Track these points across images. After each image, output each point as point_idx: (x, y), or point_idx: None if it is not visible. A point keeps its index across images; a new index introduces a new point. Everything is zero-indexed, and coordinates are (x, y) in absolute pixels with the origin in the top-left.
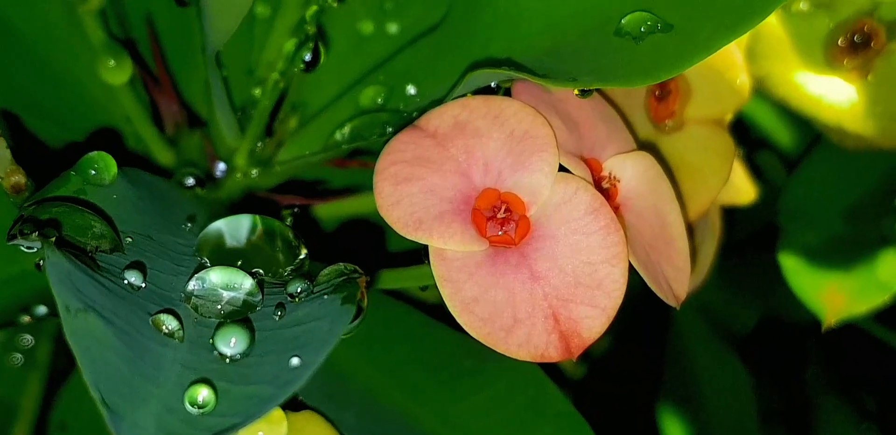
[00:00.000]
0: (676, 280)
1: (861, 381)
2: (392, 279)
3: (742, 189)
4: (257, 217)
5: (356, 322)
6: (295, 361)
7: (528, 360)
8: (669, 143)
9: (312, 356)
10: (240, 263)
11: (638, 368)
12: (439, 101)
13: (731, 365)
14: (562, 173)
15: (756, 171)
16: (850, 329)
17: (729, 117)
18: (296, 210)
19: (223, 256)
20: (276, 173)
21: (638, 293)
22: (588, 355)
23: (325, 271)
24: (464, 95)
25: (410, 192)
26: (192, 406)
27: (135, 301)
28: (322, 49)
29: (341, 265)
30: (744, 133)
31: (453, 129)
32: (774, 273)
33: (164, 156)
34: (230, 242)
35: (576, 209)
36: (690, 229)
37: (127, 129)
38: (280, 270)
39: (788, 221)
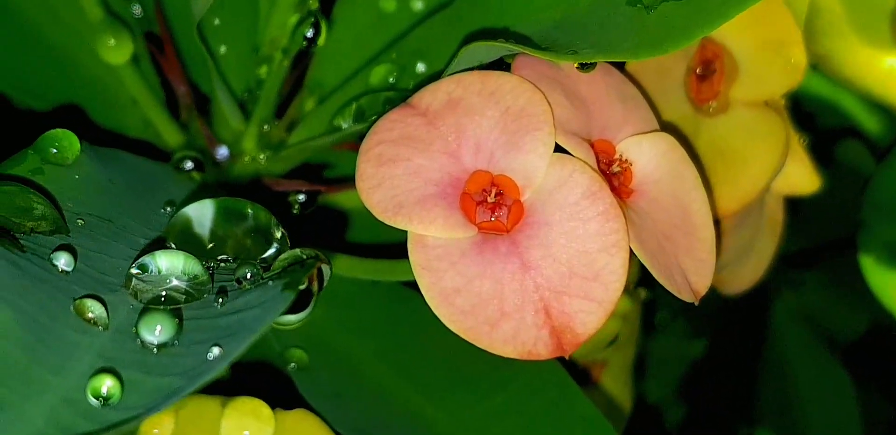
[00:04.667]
0: (697, 273)
1: None
2: (384, 271)
3: (804, 178)
4: (243, 202)
5: (305, 311)
6: (216, 351)
7: (515, 357)
8: (711, 127)
9: (233, 346)
10: (210, 246)
11: (731, 379)
12: (437, 78)
13: (835, 376)
14: (557, 154)
15: (836, 160)
16: None
17: (781, 100)
18: (302, 197)
19: (192, 241)
20: (285, 157)
21: (727, 299)
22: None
23: (282, 256)
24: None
25: (393, 174)
26: (96, 398)
27: (60, 285)
28: (324, 25)
29: (299, 250)
30: (828, 119)
31: (446, 106)
32: None
33: (173, 139)
34: (197, 227)
35: (572, 193)
36: (739, 220)
37: (134, 113)
38: (258, 258)
39: (871, 216)
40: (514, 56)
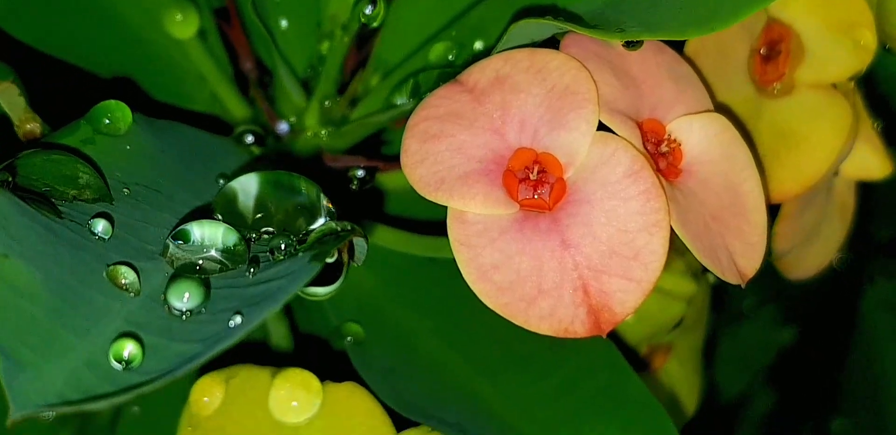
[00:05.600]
0: (745, 255)
1: None
2: (439, 247)
3: (875, 163)
4: (293, 176)
5: (336, 284)
6: (237, 319)
7: (550, 334)
8: (774, 109)
9: (255, 315)
10: (255, 218)
11: (818, 366)
12: (486, 55)
13: None
14: (600, 132)
15: None
16: None
17: (850, 83)
18: (361, 173)
19: (237, 212)
20: (346, 133)
21: (818, 286)
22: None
23: (318, 229)
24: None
25: (436, 150)
26: (118, 362)
27: (96, 252)
28: (381, 3)
29: (334, 223)
30: None
31: (493, 83)
32: None
33: (240, 113)
34: (244, 199)
35: (613, 172)
36: (803, 204)
37: (202, 87)
38: (303, 231)
39: None
40: (564, 34)
